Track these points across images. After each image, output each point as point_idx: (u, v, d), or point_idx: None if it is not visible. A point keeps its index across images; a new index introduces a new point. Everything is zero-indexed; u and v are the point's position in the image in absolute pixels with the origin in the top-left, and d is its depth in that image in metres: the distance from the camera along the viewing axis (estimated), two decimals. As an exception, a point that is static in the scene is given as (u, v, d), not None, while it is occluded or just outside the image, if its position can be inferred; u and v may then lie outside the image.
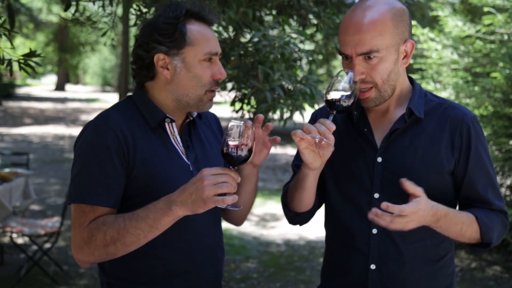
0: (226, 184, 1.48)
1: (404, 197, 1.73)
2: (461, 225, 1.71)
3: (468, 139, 1.75)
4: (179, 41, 1.69)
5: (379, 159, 1.77)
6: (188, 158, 1.78)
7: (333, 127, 1.60)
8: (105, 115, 1.72)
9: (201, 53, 1.71)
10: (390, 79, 1.71)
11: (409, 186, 1.59)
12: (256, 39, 3.10)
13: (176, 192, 1.54)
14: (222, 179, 1.49)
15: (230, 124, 1.53)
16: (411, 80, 1.85)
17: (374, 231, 1.77)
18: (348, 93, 1.65)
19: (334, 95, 1.66)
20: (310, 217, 1.93)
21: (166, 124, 1.77)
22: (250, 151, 1.54)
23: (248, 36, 3.49)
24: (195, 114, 1.86)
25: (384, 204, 1.54)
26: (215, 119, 2.01)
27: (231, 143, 1.52)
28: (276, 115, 3.29)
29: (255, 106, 3.33)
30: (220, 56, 1.78)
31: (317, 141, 1.60)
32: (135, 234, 1.57)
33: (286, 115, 3.23)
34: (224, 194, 1.50)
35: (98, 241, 1.59)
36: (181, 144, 1.79)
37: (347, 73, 1.66)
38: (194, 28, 1.71)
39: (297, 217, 1.90)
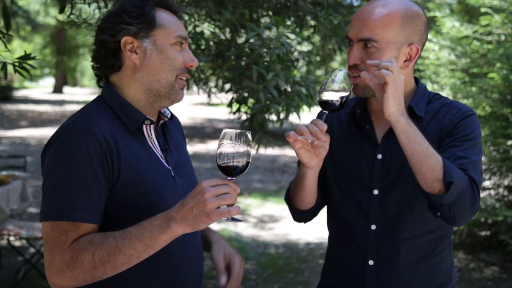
0: (228, 195, 1.38)
1: (402, 194, 1.74)
2: (427, 146, 1.59)
3: (455, 125, 1.72)
4: (149, 23, 1.59)
5: (379, 156, 1.79)
6: (168, 162, 1.66)
7: (324, 127, 1.61)
8: (82, 118, 1.54)
9: (172, 36, 1.61)
10: None
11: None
12: (252, 40, 3.10)
13: (174, 208, 1.42)
14: (224, 190, 1.38)
15: (224, 131, 1.43)
16: (417, 82, 1.86)
17: (373, 227, 1.78)
18: (341, 92, 1.66)
19: (326, 95, 1.66)
20: (314, 215, 1.95)
21: (144, 126, 1.64)
22: (247, 159, 1.44)
23: (244, 37, 3.49)
24: (168, 114, 1.75)
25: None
26: (179, 123, 1.90)
27: (227, 152, 1.42)
28: (274, 116, 3.29)
29: (251, 107, 3.33)
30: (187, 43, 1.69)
31: (309, 142, 1.61)
32: (128, 254, 1.42)
33: (282, 115, 3.23)
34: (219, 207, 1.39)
35: (84, 263, 1.42)
36: (158, 147, 1.66)
37: (340, 71, 1.67)
38: (163, 14, 1.63)
39: (300, 215, 1.93)
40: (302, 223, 2.03)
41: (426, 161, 1.58)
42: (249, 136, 1.44)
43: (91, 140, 1.48)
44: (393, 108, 1.59)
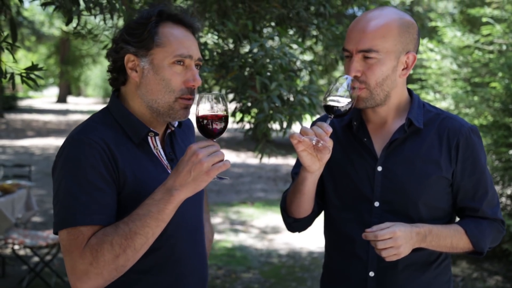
0: (219, 152, 1.44)
1: (403, 206, 1.76)
2: (451, 238, 1.75)
3: (464, 150, 1.78)
4: (147, 41, 1.59)
5: (379, 168, 1.80)
6: None
7: (329, 129, 1.63)
8: (85, 129, 1.59)
9: (171, 55, 1.59)
10: (384, 83, 1.74)
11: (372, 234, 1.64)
12: (255, 50, 3.14)
13: (170, 177, 1.47)
14: (213, 148, 1.44)
15: (201, 96, 1.49)
16: (410, 92, 1.89)
17: None
18: (346, 98, 1.68)
19: (332, 99, 1.68)
20: (309, 224, 1.95)
21: (149, 137, 1.67)
22: (225, 122, 1.51)
23: (248, 48, 3.52)
24: (176, 124, 1.77)
25: (364, 235, 1.64)
26: (191, 126, 1.92)
27: (206, 115, 1.49)
28: (276, 126, 3.31)
29: (254, 116, 3.36)
30: (199, 62, 1.66)
31: (314, 143, 1.61)
32: (144, 233, 1.45)
33: (285, 125, 3.25)
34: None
35: (105, 255, 1.44)
36: (164, 157, 1.69)
37: (345, 79, 1.69)
38: (168, 30, 1.61)
39: (295, 224, 1.92)
40: (302, 233, 2.02)
41: (455, 249, 1.78)
42: (225, 97, 1.52)
43: (94, 147, 1.53)
44: (418, 244, 1.71)
